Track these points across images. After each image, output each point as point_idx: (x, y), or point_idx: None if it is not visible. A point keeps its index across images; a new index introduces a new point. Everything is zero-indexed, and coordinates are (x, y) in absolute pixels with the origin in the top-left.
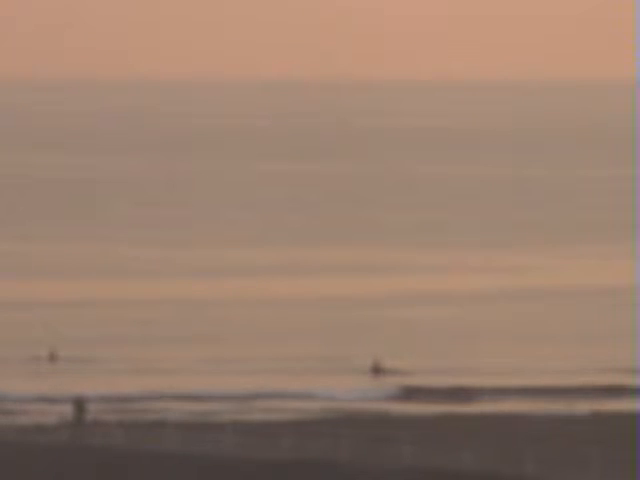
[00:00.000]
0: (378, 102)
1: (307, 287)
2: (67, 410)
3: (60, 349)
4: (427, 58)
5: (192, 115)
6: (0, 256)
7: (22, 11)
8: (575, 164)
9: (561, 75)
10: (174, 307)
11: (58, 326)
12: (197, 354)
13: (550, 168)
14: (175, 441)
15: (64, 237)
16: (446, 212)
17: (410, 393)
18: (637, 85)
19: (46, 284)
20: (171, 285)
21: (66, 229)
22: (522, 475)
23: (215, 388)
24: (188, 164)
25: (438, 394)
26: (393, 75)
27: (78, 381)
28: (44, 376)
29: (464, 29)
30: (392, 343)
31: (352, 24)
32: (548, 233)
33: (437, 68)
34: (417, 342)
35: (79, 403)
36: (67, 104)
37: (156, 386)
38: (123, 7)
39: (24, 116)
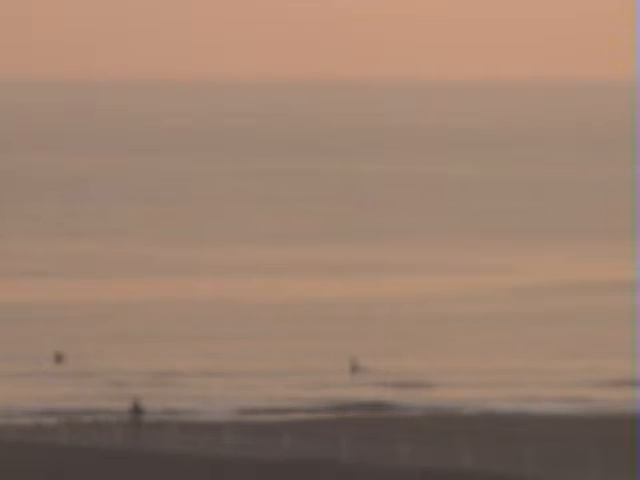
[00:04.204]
0: (378, 102)
1: (306, 287)
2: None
3: (67, 350)
4: (427, 58)
5: (191, 115)
6: (2, 257)
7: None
8: (574, 164)
9: (561, 75)
10: (176, 307)
11: (63, 327)
12: (203, 357)
13: (549, 168)
14: (175, 441)
15: (66, 237)
16: (445, 212)
17: None
18: (637, 85)
19: (48, 284)
20: (172, 285)
21: (67, 228)
22: (522, 475)
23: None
24: (188, 164)
25: None
26: (393, 75)
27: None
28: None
29: (464, 31)
30: (384, 343)
31: (352, 24)
32: (546, 233)
33: (437, 68)
34: (410, 341)
35: (136, 405)
36: (59, 103)
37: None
38: (120, 5)
39: (19, 115)
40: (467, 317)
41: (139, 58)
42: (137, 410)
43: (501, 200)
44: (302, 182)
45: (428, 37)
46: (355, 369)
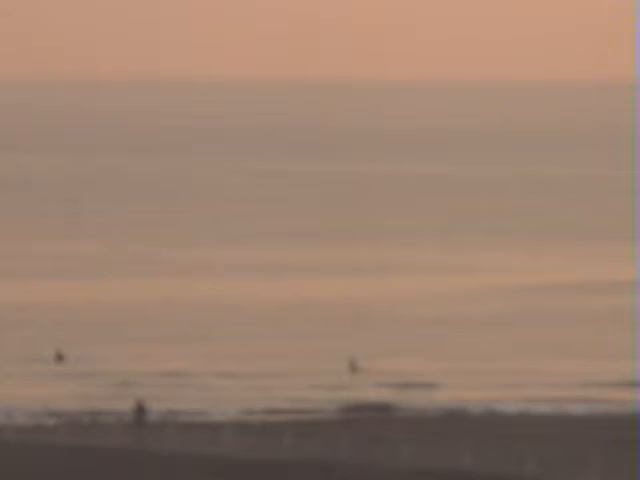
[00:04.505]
0: (378, 102)
1: (306, 287)
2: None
3: (68, 350)
4: (430, 58)
5: (191, 115)
6: (2, 257)
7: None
8: (574, 164)
9: (561, 75)
10: (176, 307)
11: (63, 327)
12: (209, 359)
13: (549, 168)
14: (175, 441)
15: (67, 237)
16: (445, 212)
17: None
18: (637, 85)
19: (49, 284)
20: (172, 285)
21: (67, 228)
22: (522, 475)
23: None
24: (188, 164)
25: None
26: (393, 75)
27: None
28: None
29: (463, 30)
30: (384, 343)
31: (351, 25)
32: (547, 234)
33: (438, 68)
34: (410, 341)
35: (140, 405)
36: (63, 104)
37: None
38: (119, 5)
39: (19, 115)
40: (467, 317)
41: (139, 58)
42: (141, 410)
43: (501, 200)
44: (302, 182)
45: (428, 37)
46: (354, 369)
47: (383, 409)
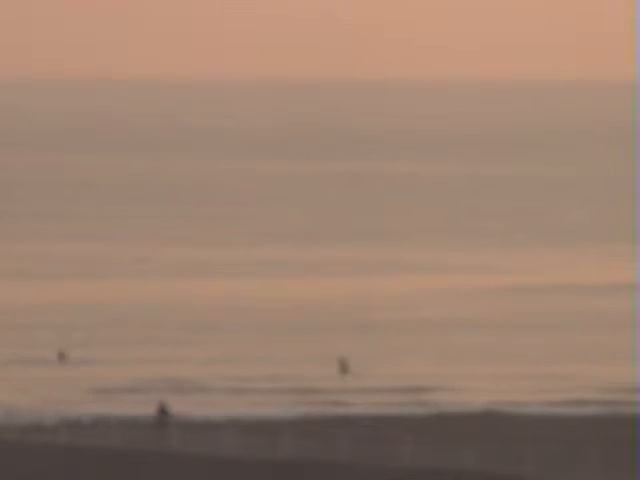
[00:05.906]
0: (378, 102)
1: (306, 287)
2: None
3: (69, 351)
4: (426, 58)
5: (191, 115)
6: (4, 257)
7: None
8: (574, 164)
9: (561, 75)
10: (176, 308)
11: (64, 328)
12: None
13: (549, 168)
14: (175, 441)
15: (69, 237)
16: (444, 213)
17: None
18: (637, 85)
19: (49, 284)
20: (171, 285)
21: (68, 229)
22: (522, 475)
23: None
24: (189, 164)
25: None
26: (393, 75)
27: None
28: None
29: (463, 31)
30: (382, 344)
31: (352, 25)
32: (545, 233)
33: (436, 68)
34: (409, 343)
35: (162, 406)
36: (64, 104)
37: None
38: (120, 6)
39: (19, 115)
40: (464, 319)
41: (140, 58)
42: (164, 413)
43: (502, 200)
44: (302, 182)
45: (428, 37)
46: (344, 370)
47: (384, 409)
